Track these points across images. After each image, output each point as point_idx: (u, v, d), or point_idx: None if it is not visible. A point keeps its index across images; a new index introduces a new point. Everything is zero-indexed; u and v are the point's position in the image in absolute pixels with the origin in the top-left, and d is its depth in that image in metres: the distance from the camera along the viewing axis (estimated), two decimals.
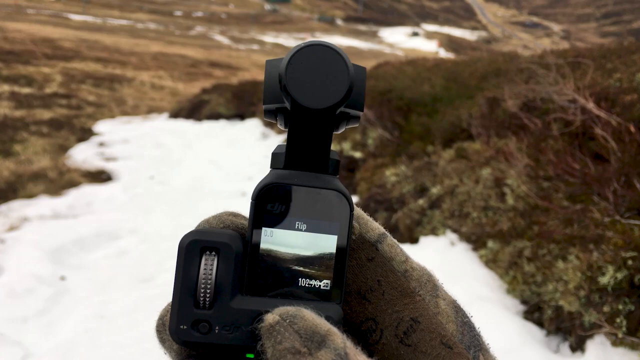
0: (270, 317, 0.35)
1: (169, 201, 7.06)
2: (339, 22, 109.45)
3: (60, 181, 8.05)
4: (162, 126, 12.95)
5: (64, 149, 10.21)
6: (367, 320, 0.42)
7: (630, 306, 2.80)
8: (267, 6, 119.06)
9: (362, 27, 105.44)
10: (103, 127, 12.38)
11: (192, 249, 0.38)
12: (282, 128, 0.44)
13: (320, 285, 0.40)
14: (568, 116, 3.86)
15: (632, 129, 3.48)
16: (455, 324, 0.42)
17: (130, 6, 74.61)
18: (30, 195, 7.24)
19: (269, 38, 64.66)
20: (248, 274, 0.40)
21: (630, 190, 3.14)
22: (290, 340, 0.33)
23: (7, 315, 4.09)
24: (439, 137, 6.15)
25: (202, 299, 0.38)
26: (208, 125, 12.90)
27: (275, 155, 0.42)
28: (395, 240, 0.45)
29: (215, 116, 13.55)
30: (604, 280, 2.90)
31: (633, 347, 2.75)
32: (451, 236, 4.54)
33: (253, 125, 11.99)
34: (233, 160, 9.07)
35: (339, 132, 0.44)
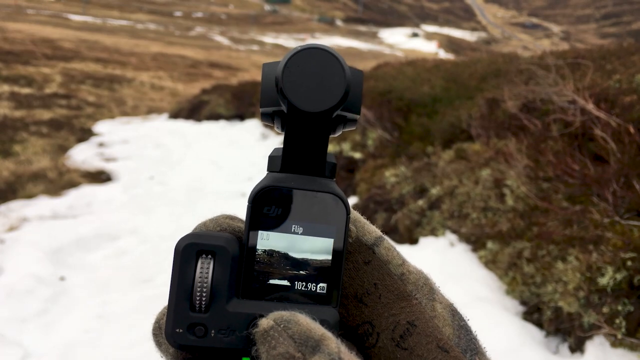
0: (265, 322, 0.35)
1: (168, 202, 7.06)
2: (339, 22, 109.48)
3: (60, 181, 8.05)
4: (161, 127, 12.95)
5: (63, 149, 10.20)
6: (363, 323, 0.42)
7: (630, 307, 2.80)
8: (267, 7, 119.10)
9: (362, 28, 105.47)
10: (103, 128, 12.38)
11: (188, 252, 0.38)
12: (279, 131, 0.44)
13: (316, 289, 0.40)
14: (568, 117, 3.86)
15: (632, 130, 3.48)
16: (451, 327, 0.42)
17: (130, 7, 74.62)
18: (30, 196, 7.24)
19: (269, 39, 64.69)
20: (244, 278, 0.40)
21: (629, 192, 3.14)
22: (285, 346, 0.34)
23: (6, 316, 4.08)
24: (438, 137, 6.15)
25: (198, 302, 0.38)
26: (208, 126, 12.90)
27: (272, 158, 0.42)
28: (392, 244, 0.45)
29: (215, 117, 13.55)
30: (603, 281, 2.90)
31: (632, 348, 2.75)
32: (451, 237, 4.54)
33: (253, 126, 12.00)
34: (233, 161, 9.07)
35: (336, 135, 0.44)
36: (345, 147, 7.59)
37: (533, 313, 3.44)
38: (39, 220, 6.26)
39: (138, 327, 3.92)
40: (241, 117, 13.25)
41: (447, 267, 4.09)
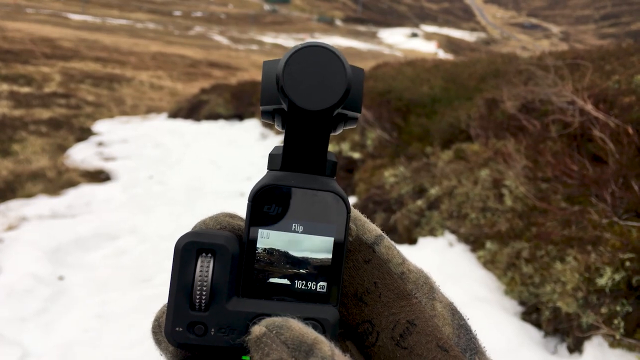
0: (257, 329, 0.35)
1: (168, 201, 7.06)
2: (338, 22, 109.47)
3: (59, 181, 8.05)
4: (161, 126, 12.95)
5: (62, 148, 10.20)
6: (363, 322, 0.42)
7: (628, 307, 2.81)
8: (267, 6, 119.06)
9: (361, 28, 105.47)
10: (102, 127, 12.38)
11: (188, 250, 0.38)
12: (279, 129, 0.44)
13: (316, 288, 0.40)
14: (566, 118, 3.87)
15: (630, 131, 3.49)
16: (451, 326, 0.42)
17: (130, 6, 74.57)
18: (29, 195, 7.24)
19: (268, 38, 64.67)
20: (244, 276, 0.39)
21: (628, 192, 3.15)
22: (278, 352, 0.34)
23: (5, 315, 4.08)
24: (437, 138, 6.16)
25: (197, 301, 0.38)
26: (207, 126, 12.90)
27: (272, 157, 0.42)
28: (392, 242, 0.45)
29: (214, 116, 13.55)
30: (601, 281, 2.91)
31: (631, 348, 2.76)
32: (449, 237, 4.55)
33: (252, 126, 12.00)
34: (232, 161, 9.07)
35: (337, 133, 0.44)
36: (345, 147, 7.59)
37: (532, 313, 3.44)
38: (38, 220, 6.26)
39: (138, 326, 3.92)
40: (240, 116, 13.25)
41: (446, 267, 4.09)
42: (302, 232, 0.40)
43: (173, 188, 7.70)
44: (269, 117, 0.43)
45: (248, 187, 7.25)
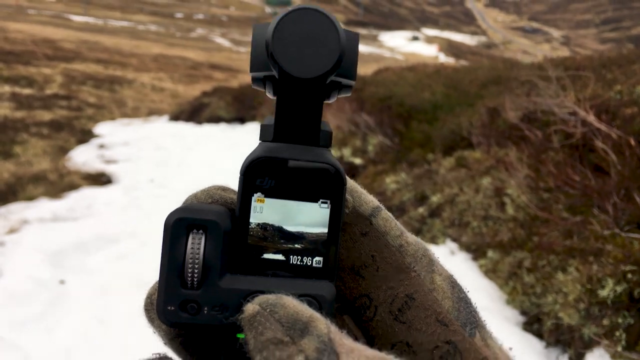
0: (251, 308, 0.34)
1: (169, 204, 7.06)
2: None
3: (61, 183, 8.05)
4: (162, 129, 12.96)
5: (64, 150, 10.20)
6: (361, 296, 0.41)
7: (630, 320, 2.81)
8: (268, 9, 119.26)
9: (363, 31, 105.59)
10: (103, 129, 12.38)
11: (178, 227, 0.37)
12: (270, 97, 0.41)
13: (312, 263, 0.39)
14: (569, 128, 3.87)
15: (632, 142, 3.49)
16: (451, 300, 0.41)
17: (132, 8, 74.70)
18: (30, 198, 7.24)
19: None
20: (237, 252, 0.38)
21: (630, 204, 3.16)
22: (272, 331, 0.33)
23: (6, 319, 4.09)
24: (439, 144, 6.17)
25: (189, 278, 0.37)
26: (208, 129, 12.91)
27: (264, 127, 0.40)
28: (389, 214, 0.43)
29: (215, 119, 13.56)
30: (603, 293, 2.91)
31: None
32: (451, 245, 4.55)
33: (253, 129, 12.01)
34: (233, 164, 9.06)
35: (331, 101, 0.41)
36: (346, 152, 7.60)
37: (533, 323, 3.45)
38: (39, 223, 6.26)
39: (138, 331, 3.93)
40: (242, 120, 13.26)
41: None
42: (296, 206, 0.38)
43: (174, 191, 7.70)
44: (259, 84, 0.41)
45: None
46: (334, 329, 0.34)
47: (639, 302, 2.87)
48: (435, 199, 5.02)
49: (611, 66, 6.46)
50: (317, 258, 0.39)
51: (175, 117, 14.47)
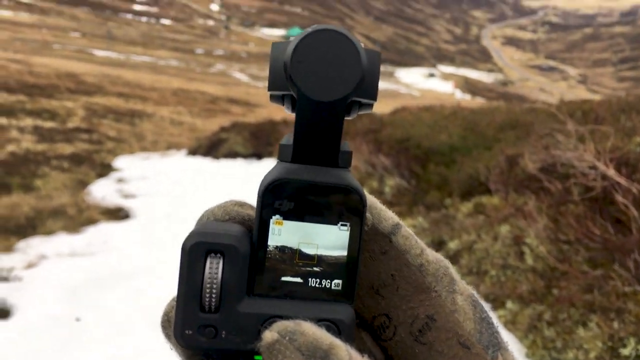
0: (269, 335, 0.34)
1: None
2: None
3: (79, 218, 8.14)
4: (180, 163, 13.12)
5: (83, 184, 10.35)
6: (379, 315, 0.40)
7: None
8: None
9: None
10: (122, 163, 12.57)
11: (195, 251, 0.37)
12: (288, 112, 0.40)
13: (331, 285, 0.38)
14: (589, 182, 3.86)
15: None
16: (473, 321, 0.40)
17: (153, 44, 76.48)
18: (49, 232, 7.32)
19: None
20: (255, 276, 0.38)
21: None
22: (292, 359, 0.32)
23: (22, 356, 4.10)
24: (456, 188, 6.16)
25: (207, 302, 0.36)
26: (226, 164, 13.05)
27: (282, 147, 0.39)
28: (410, 231, 0.42)
29: (232, 155, 13.71)
30: (625, 352, 2.86)
31: None
32: None
33: (270, 165, 12.07)
34: (250, 200, 9.10)
35: (351, 117, 0.41)
36: None
37: None
38: (57, 258, 6.32)
39: None
40: (259, 155, 13.39)
41: None
42: (315, 229, 0.38)
43: (191, 227, 7.73)
44: (278, 101, 0.41)
45: None
46: (354, 354, 0.33)
47: None
48: (452, 245, 4.99)
49: (630, 111, 6.45)
50: (336, 281, 0.38)
51: (193, 152, 14.65)
